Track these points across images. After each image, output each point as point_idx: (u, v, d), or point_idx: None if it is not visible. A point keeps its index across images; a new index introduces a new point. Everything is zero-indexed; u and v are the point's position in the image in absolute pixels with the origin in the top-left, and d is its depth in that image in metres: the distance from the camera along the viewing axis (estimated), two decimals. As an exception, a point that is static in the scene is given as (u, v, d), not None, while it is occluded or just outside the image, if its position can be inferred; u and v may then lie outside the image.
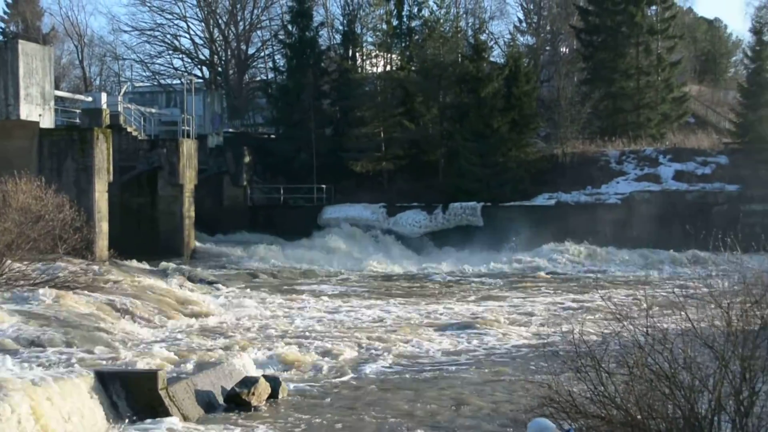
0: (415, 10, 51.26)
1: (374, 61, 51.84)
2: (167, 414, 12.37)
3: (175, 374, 14.11)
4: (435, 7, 50.80)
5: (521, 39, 61.29)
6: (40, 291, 20.83)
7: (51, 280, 22.01)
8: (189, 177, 39.06)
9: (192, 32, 62.89)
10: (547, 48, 60.96)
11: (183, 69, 62.79)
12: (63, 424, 11.23)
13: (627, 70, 50.03)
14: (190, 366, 15.34)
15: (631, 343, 9.64)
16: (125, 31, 64.64)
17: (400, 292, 29.88)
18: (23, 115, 30.83)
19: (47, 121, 32.17)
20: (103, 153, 32.19)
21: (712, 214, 39.74)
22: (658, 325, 9.88)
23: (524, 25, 63.61)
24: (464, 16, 56.81)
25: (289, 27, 51.27)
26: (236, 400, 13.61)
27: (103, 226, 31.91)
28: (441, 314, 23.89)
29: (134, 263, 31.98)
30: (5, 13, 62.21)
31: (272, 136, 52.21)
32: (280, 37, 54.71)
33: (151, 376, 12.72)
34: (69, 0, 67.57)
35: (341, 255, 39.85)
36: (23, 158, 29.97)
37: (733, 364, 8.93)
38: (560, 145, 45.79)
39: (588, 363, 9.52)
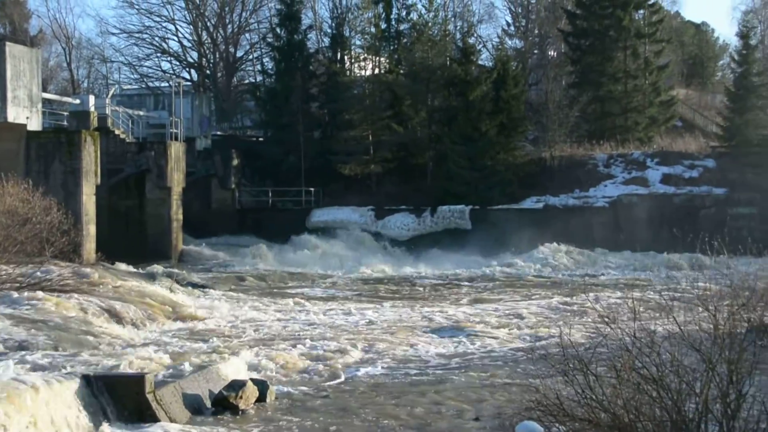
0: (404, 13, 51.38)
1: (363, 64, 51.86)
2: (155, 417, 12.32)
3: (162, 378, 14.07)
4: (423, 11, 50.99)
5: (509, 42, 61.62)
6: (27, 294, 20.74)
7: (38, 284, 21.90)
8: (177, 180, 38.98)
9: (180, 35, 62.94)
10: (536, 51, 61.14)
11: (171, 72, 62.83)
12: (50, 428, 11.18)
13: (615, 74, 50.20)
14: (177, 369, 15.29)
15: (618, 347, 9.67)
16: (113, 34, 64.63)
17: (388, 295, 29.86)
18: (10, 118, 30.72)
19: (34, 124, 32.07)
20: (90, 156, 32.10)
21: (700, 217, 39.94)
22: (646, 327, 9.92)
23: (512, 28, 63.79)
24: (453, 19, 57.05)
25: (278, 30, 51.27)
26: (224, 404, 13.58)
27: (90, 229, 31.82)
28: (430, 317, 23.87)
29: (122, 266, 31.87)
30: (-8, 15, 61.99)
31: (260, 139, 52.22)
32: (269, 40, 54.71)
33: (138, 379, 12.68)
34: (57, 2, 68.26)
35: (329, 258, 39.81)
36: (10, 161, 29.86)
37: (720, 367, 8.97)
38: (548, 148, 45.92)
39: (576, 366, 9.54)
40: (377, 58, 51.32)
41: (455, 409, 13.91)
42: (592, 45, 50.90)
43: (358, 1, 52.10)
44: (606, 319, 9.97)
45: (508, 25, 64.43)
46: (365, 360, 17.83)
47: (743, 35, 49.06)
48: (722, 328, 9.27)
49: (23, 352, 16.08)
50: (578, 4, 52.46)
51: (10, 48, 31.22)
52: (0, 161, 29.07)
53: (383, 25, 50.63)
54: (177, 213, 38.85)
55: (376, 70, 51.28)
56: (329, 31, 53.92)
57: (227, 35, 61.70)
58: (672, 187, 42.88)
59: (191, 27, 62.51)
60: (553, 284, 32.62)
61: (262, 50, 59.69)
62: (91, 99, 37.97)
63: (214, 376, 14.50)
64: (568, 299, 27.29)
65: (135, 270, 31.86)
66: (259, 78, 57.40)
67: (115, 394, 12.41)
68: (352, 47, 52.18)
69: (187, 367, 15.46)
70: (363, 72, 51.58)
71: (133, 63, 62.46)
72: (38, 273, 22.50)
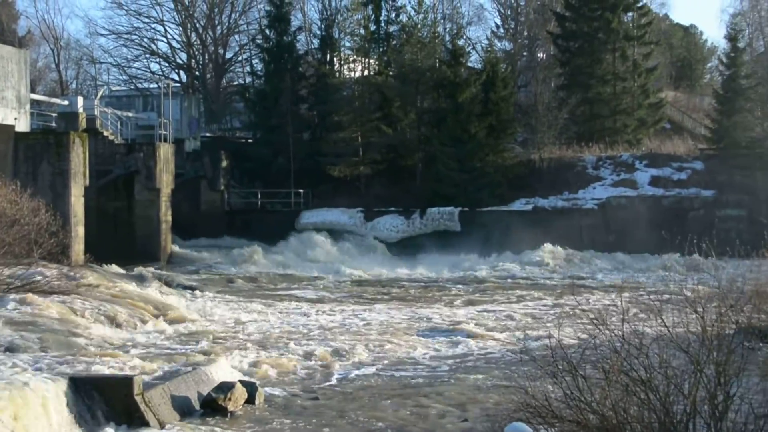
0: (393, 15, 51.25)
1: (352, 65, 51.82)
2: (143, 420, 12.30)
3: (151, 380, 14.03)
4: (413, 13, 50.88)
5: (498, 44, 61.66)
6: (15, 296, 20.65)
7: (26, 285, 21.81)
8: (166, 181, 38.88)
9: (169, 36, 62.73)
10: (525, 53, 61.23)
11: (160, 73, 62.63)
12: (38, 430, 11.14)
13: (603, 76, 50.28)
14: (166, 371, 15.25)
15: (607, 348, 9.69)
16: (102, 35, 64.25)
17: (378, 297, 29.85)
18: (-2, 119, 30.61)
19: (23, 125, 31.93)
20: (79, 157, 31.99)
21: (688, 219, 40.07)
22: (635, 328, 9.94)
23: (501, 30, 63.84)
24: (442, 21, 57.08)
25: (267, 31, 51.17)
26: (213, 406, 13.56)
27: (79, 231, 31.70)
28: (420, 319, 23.89)
29: (111, 268, 31.74)
30: (-20, 16, 61.73)
31: (250, 140, 52.10)
32: (258, 41, 54.58)
33: (126, 381, 12.65)
34: (45, 3, 67.83)
35: (319, 260, 39.79)
36: (-2, 162, 29.76)
37: (708, 368, 9.00)
38: (537, 150, 45.97)
39: (564, 368, 9.56)
40: (366, 60, 51.30)
41: (444, 411, 13.93)
42: (581, 47, 50.99)
43: (347, 2, 52.13)
44: (595, 321, 9.98)
45: (497, 27, 64.57)
46: (356, 362, 17.83)
47: (731, 38, 49.26)
48: (710, 330, 9.31)
49: (10, 354, 16.01)
50: (567, 7, 52.57)
51: (-2, 49, 31.12)
52: (-12, 162, 28.97)
53: (372, 27, 50.59)
54: (166, 214, 38.75)
55: (366, 72, 51.24)
56: (318, 32, 53.87)
57: (216, 37, 61.59)
58: (661, 189, 42.98)
59: (180, 28, 62.36)
60: (542, 286, 32.66)
61: (252, 52, 59.58)
62: (80, 100, 37.80)
63: (203, 378, 14.48)
64: (556, 300, 27.34)
65: (124, 271, 31.75)
66: (248, 79, 57.30)
67: (104, 396, 12.38)
68: (342, 49, 52.16)
69: (175, 368, 15.43)
70: (352, 74, 51.54)
71: (122, 64, 62.31)
72: (26, 274, 22.40)
